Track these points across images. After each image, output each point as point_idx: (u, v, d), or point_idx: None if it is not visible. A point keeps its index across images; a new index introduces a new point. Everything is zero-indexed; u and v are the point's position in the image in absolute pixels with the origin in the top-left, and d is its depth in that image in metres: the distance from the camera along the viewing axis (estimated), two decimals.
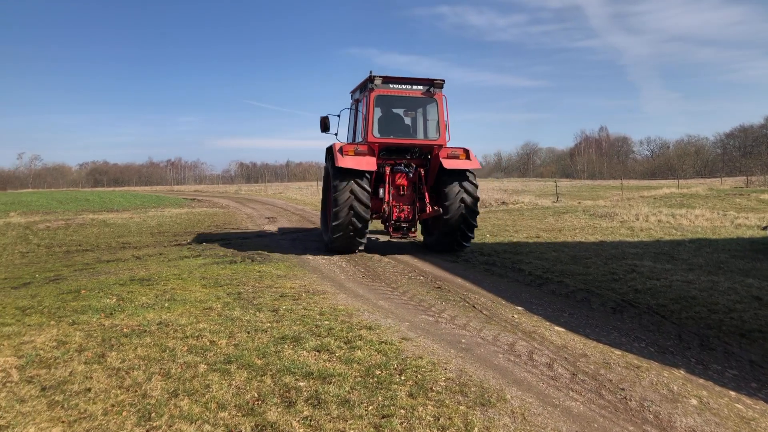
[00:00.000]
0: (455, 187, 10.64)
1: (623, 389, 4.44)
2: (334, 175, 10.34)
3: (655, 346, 5.72)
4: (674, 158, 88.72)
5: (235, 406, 3.76)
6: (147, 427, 3.46)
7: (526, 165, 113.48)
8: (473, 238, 11.22)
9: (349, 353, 4.76)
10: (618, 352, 5.40)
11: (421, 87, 11.13)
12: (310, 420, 3.54)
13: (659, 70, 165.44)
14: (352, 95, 12.65)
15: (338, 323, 5.66)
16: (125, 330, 5.46)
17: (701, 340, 5.93)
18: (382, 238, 13.05)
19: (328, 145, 11.45)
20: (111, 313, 6.06)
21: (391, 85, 10.95)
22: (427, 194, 10.96)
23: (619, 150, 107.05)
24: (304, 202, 28.98)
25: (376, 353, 4.79)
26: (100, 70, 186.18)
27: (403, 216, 10.91)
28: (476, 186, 10.92)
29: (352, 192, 10.09)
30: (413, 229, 11.06)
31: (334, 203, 10.11)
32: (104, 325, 5.64)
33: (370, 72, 10.77)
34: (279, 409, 3.69)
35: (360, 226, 10.24)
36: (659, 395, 4.37)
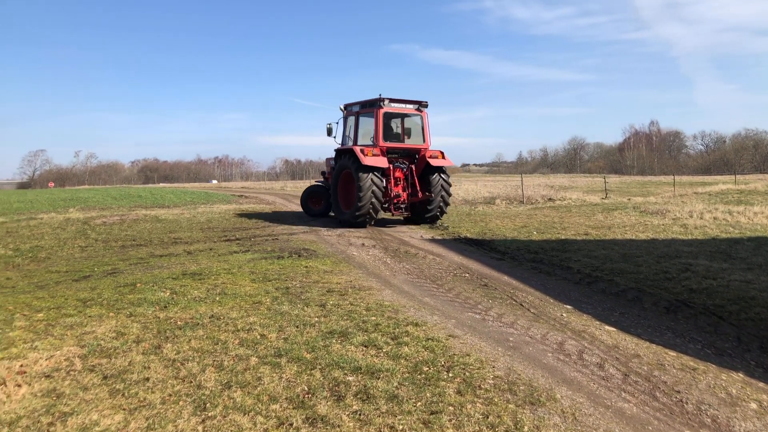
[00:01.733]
0: (437, 179, 15.04)
1: (679, 392, 4.31)
2: (357, 170, 14.00)
3: (712, 348, 5.52)
4: (731, 153, 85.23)
5: (286, 398, 3.83)
6: (202, 416, 3.58)
7: (572, 160, 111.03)
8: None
9: (396, 349, 4.78)
10: (672, 353, 5.24)
11: (412, 106, 15.40)
12: (360, 414, 3.58)
13: (714, 61, 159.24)
14: (347, 108, 16.33)
15: (385, 319, 5.69)
16: (179, 323, 5.64)
17: (761, 342, 5.69)
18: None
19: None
20: (165, 306, 6.27)
21: (393, 104, 14.97)
22: (417, 184, 15.14)
23: (670, 145, 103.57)
24: None
25: (423, 350, 4.80)
26: (150, 72, 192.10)
27: (401, 200, 15.03)
28: (449, 176, 15.50)
29: (373, 182, 13.97)
30: (407, 210, 15.29)
31: (359, 190, 13.91)
32: (159, 317, 5.85)
33: (380, 94, 14.77)
34: (329, 403, 3.75)
35: (377, 207, 14.27)
36: (717, 399, 4.23)
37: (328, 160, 18.08)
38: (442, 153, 15.31)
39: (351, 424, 3.47)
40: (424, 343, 4.96)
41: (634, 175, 73.94)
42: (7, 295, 7.13)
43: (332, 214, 16.67)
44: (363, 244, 11.54)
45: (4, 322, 5.71)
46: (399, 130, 15.77)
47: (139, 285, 7.35)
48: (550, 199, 21.96)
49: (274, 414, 3.60)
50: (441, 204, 15.15)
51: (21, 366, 4.50)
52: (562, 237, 12.15)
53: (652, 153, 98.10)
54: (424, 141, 15.52)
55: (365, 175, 13.93)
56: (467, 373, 4.31)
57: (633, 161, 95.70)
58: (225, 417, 3.56)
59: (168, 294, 6.83)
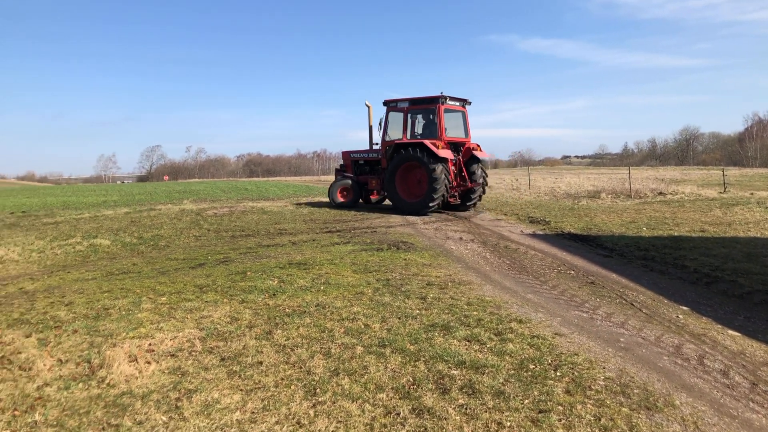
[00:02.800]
0: (478, 170, 16.95)
1: None
2: (431, 161, 15.44)
3: None
4: None
5: (392, 388, 3.90)
6: (313, 401, 3.72)
7: (684, 152, 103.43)
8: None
9: (500, 345, 4.71)
10: None
11: (460, 103, 17.23)
12: (466, 408, 3.57)
13: None
14: (395, 104, 17.42)
15: (487, 314, 5.62)
16: (287, 310, 5.89)
17: None
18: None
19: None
20: (274, 294, 6.58)
21: (449, 102, 16.69)
22: (465, 173, 16.77)
23: None
24: None
25: (528, 347, 4.69)
26: (253, 70, 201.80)
27: (454, 189, 16.52)
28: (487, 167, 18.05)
29: (445, 173, 15.52)
30: (458, 197, 16.90)
31: (434, 181, 15.38)
32: (269, 304, 6.14)
33: (441, 92, 16.31)
34: (434, 395, 3.77)
35: (447, 196, 15.93)
36: None
37: (345, 153, 19.67)
38: (479, 146, 17.20)
39: (457, 417, 3.47)
40: (529, 340, 4.85)
41: (757, 167, 67.62)
42: (134, 279, 7.78)
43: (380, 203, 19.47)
44: (461, 238, 11.45)
45: (133, 304, 6.23)
46: (453, 125, 17.34)
47: (249, 273, 7.75)
48: (660, 193, 20.62)
49: (381, 403, 3.68)
50: (481, 192, 17.26)
51: (149, 345, 4.90)
52: (675, 233, 11.38)
53: None
54: (466, 135, 17.41)
55: (439, 166, 15.43)
56: (576, 373, 4.16)
57: (756, 152, 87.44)
58: (334, 403, 3.68)
59: (276, 282, 7.15)
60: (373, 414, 3.53)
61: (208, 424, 3.46)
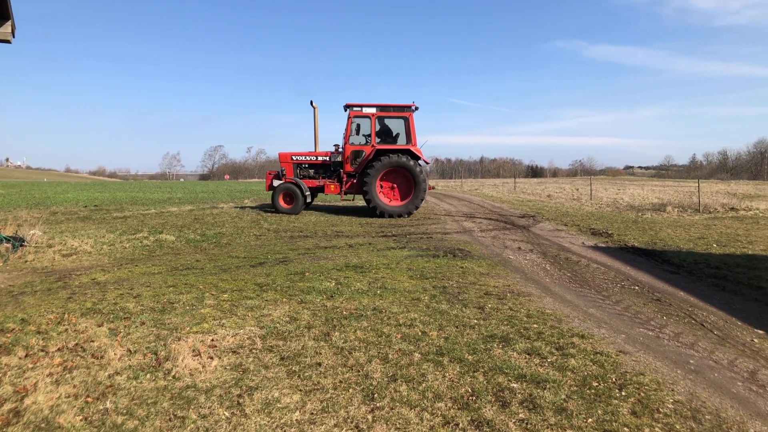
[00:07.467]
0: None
1: None
2: (416, 167, 17.27)
3: None
4: None
5: (450, 398, 3.85)
6: (371, 406, 3.72)
7: (759, 165, 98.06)
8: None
9: (562, 360, 4.58)
10: None
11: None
12: (527, 423, 3.48)
13: None
14: (359, 108, 17.70)
15: (547, 328, 5.48)
16: (344, 312, 5.93)
17: None
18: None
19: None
20: (331, 296, 6.64)
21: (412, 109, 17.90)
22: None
23: None
24: (501, 199, 28.66)
25: (591, 363, 4.54)
26: (313, 76, 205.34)
27: None
28: None
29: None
30: None
31: (420, 186, 17.29)
32: (327, 306, 6.20)
33: (412, 101, 17.73)
34: (494, 408, 3.70)
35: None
36: None
37: (285, 155, 19.21)
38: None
39: None
40: (592, 356, 4.69)
41: None
42: (198, 275, 8.03)
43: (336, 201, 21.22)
44: (519, 248, 11.24)
45: (197, 300, 6.43)
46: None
47: (307, 274, 7.86)
48: (732, 208, 19.59)
49: (439, 412, 3.63)
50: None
51: (212, 340, 5.04)
52: (749, 252, 10.79)
53: None
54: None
55: (422, 173, 17.45)
56: (642, 394, 3.99)
57: None
58: (392, 409, 3.67)
59: (333, 284, 7.22)
60: (431, 423, 3.49)
61: (268, 422, 3.51)
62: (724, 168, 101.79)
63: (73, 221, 15.84)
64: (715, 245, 11.62)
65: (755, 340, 5.74)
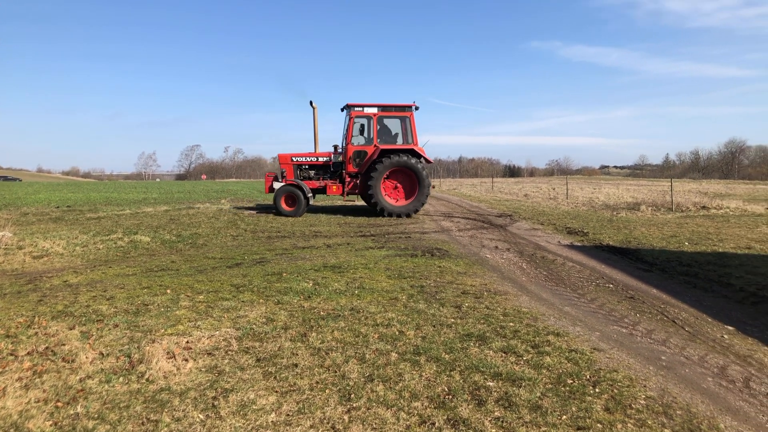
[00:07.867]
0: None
1: None
2: (422, 167, 17.38)
3: None
4: None
5: (426, 397, 3.86)
6: (348, 407, 3.71)
7: (729, 165, 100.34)
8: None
9: (537, 358, 4.62)
10: None
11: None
12: (502, 421, 3.50)
13: None
14: (360, 108, 17.66)
15: (523, 326, 5.53)
16: (322, 313, 5.91)
17: None
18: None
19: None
20: (309, 296, 6.61)
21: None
22: None
23: None
24: (479, 199, 28.85)
25: (566, 361, 4.59)
26: (296, 76, 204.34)
27: None
28: None
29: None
30: None
31: (424, 185, 17.36)
32: (304, 306, 6.17)
33: (413, 101, 17.82)
34: (470, 406, 3.71)
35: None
36: None
37: (285, 156, 18.72)
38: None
39: (494, 430, 3.41)
40: (567, 354, 4.75)
41: None
42: (173, 276, 7.93)
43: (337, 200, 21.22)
44: (496, 247, 11.33)
45: (172, 301, 6.35)
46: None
47: (284, 274, 7.81)
48: (703, 207, 20.01)
49: (416, 411, 3.64)
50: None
51: (187, 342, 4.97)
52: (720, 249, 11.02)
53: None
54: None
55: (426, 172, 17.51)
56: (615, 390, 4.05)
57: None
58: (369, 409, 3.66)
59: (311, 285, 7.19)
60: (408, 422, 3.49)
61: (244, 424, 3.48)
62: (696, 167, 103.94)
63: (44, 222, 15.52)
64: (687, 243, 11.85)
65: (725, 336, 5.86)
